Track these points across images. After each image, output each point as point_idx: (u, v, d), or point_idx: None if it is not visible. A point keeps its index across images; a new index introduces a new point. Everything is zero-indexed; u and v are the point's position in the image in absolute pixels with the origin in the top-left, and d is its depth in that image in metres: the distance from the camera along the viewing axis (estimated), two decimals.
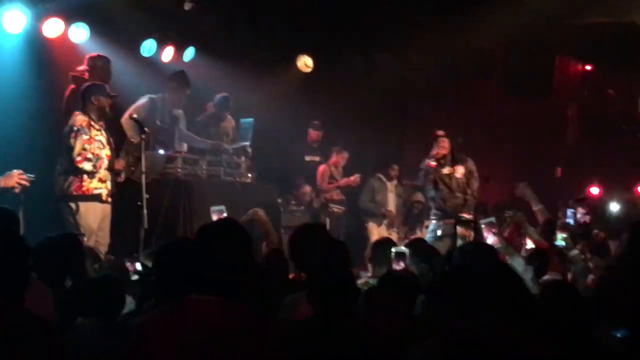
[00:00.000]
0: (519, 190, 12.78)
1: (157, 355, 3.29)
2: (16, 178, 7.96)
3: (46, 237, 5.56)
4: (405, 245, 6.64)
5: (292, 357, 3.77)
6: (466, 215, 10.47)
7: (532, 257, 6.69)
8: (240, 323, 3.37)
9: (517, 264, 6.33)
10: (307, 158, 12.83)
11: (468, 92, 14.03)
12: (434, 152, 11.18)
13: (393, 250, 6.19)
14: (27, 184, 7.99)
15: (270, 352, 3.40)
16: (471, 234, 6.47)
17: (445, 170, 11.15)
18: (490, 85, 14.02)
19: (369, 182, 13.06)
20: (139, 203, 8.79)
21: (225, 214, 8.75)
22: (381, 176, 13.08)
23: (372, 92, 13.58)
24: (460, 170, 11.17)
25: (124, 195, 9.46)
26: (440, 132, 11.15)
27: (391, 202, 13.09)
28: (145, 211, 8.72)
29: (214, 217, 8.63)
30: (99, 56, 10.01)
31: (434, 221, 11.29)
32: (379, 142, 14.10)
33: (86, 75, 9.85)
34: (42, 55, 10.19)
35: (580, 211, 10.38)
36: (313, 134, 12.92)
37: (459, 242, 6.04)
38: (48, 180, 9.10)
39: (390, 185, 13.12)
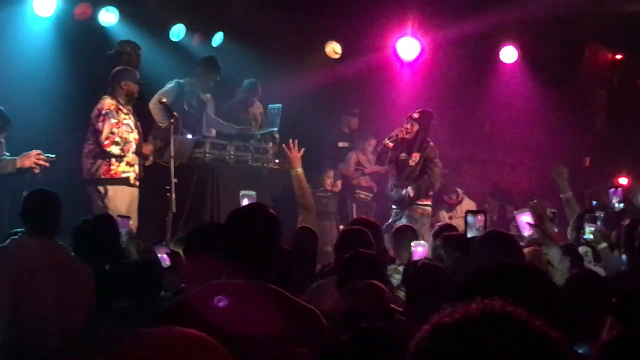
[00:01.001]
0: (555, 172, 12.68)
1: None
2: (34, 158, 8.01)
3: (83, 219, 5.61)
4: (434, 234, 6.60)
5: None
6: (420, 203, 10.09)
7: (569, 248, 6.60)
8: (269, 307, 3.36)
9: (554, 253, 6.26)
10: (340, 144, 12.79)
11: (495, 77, 13.92)
12: (394, 133, 10.18)
13: (413, 244, 6.16)
14: (45, 164, 8.03)
15: (302, 337, 3.39)
16: (483, 223, 6.25)
17: (403, 155, 10.20)
18: (518, 70, 13.92)
19: None
20: (167, 187, 8.81)
21: (255, 199, 8.72)
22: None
23: (398, 78, 13.49)
24: (415, 158, 10.14)
25: (151, 179, 9.50)
26: (415, 115, 10.18)
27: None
28: (174, 195, 8.74)
29: (244, 202, 8.60)
30: (128, 42, 10.04)
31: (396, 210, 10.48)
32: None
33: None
34: (72, 39, 10.22)
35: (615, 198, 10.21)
36: (353, 122, 12.89)
37: (470, 233, 5.92)
38: (76, 164, 9.15)
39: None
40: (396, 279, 6.02)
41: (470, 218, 5.97)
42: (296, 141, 7.72)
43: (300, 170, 7.48)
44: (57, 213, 5.25)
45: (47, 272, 4.96)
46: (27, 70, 9.38)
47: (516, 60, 13.21)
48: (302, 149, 7.98)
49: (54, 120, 9.41)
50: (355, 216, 11.57)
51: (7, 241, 5.16)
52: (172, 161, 8.92)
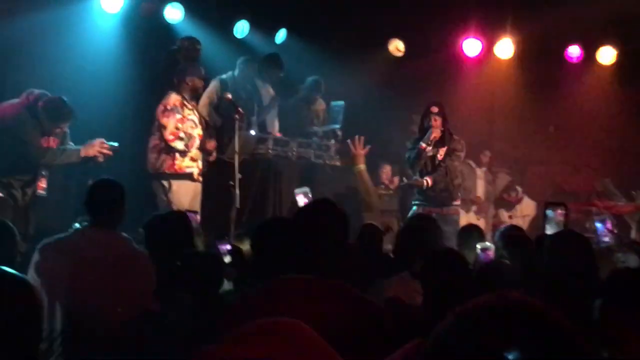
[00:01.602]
0: (600, 185, 12.52)
1: None
2: (97, 147, 8.12)
3: (155, 215, 5.64)
4: (500, 235, 6.53)
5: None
6: (455, 203, 9.63)
7: None
8: (338, 304, 3.35)
9: (632, 260, 6.15)
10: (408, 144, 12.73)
11: (560, 77, 13.75)
12: (431, 136, 9.48)
13: (478, 246, 6.05)
14: (109, 152, 8.15)
15: (368, 335, 3.37)
16: (563, 218, 6.01)
17: (430, 151, 9.62)
18: (583, 70, 13.74)
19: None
20: (231, 183, 8.86)
21: (310, 195, 8.70)
22: (470, 162, 12.92)
23: (462, 78, 13.41)
24: (442, 152, 9.59)
25: (215, 174, 9.56)
26: (434, 109, 9.63)
27: (480, 189, 12.93)
28: (237, 191, 8.78)
29: (299, 199, 8.59)
30: (187, 37, 10.15)
31: (414, 207, 9.76)
32: (468, 128, 13.94)
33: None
34: (138, 35, 10.33)
35: None
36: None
37: (550, 228, 5.70)
38: (141, 157, 9.25)
39: (480, 172, 12.96)
40: None
41: (549, 212, 5.70)
42: (362, 138, 7.70)
43: (362, 167, 7.48)
44: (121, 204, 5.25)
45: (106, 263, 4.98)
46: (94, 66, 9.50)
47: (582, 60, 13.04)
48: (367, 147, 8.00)
49: (120, 114, 9.50)
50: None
51: (70, 231, 5.20)
52: (236, 157, 8.95)
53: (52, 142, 8.08)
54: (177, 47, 10.12)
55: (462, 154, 9.82)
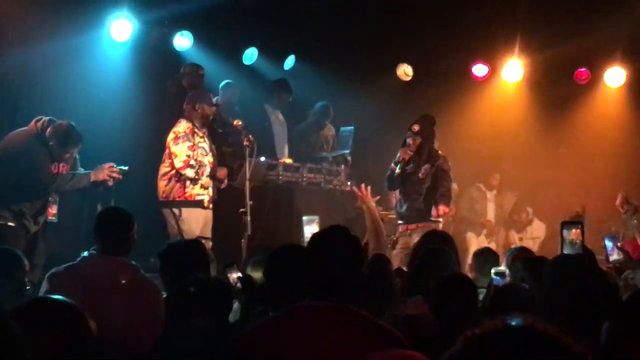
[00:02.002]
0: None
1: (274, 357, 3.29)
2: (107, 171, 8.14)
3: (169, 243, 5.62)
4: (512, 257, 6.48)
5: None
6: (433, 219, 9.35)
7: None
8: (355, 330, 3.33)
9: None
10: None
11: (570, 97, 13.76)
12: (400, 157, 9.49)
13: (493, 270, 5.97)
14: (118, 176, 8.15)
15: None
16: (580, 237, 5.90)
17: (409, 167, 9.50)
18: (593, 91, 13.73)
19: (468, 191, 12.91)
20: (242, 209, 8.85)
21: (317, 222, 8.64)
22: (480, 185, 12.92)
23: (471, 101, 13.43)
24: (425, 170, 9.42)
25: (225, 201, 9.56)
26: (415, 128, 9.46)
27: (490, 212, 12.91)
28: (249, 218, 8.78)
29: (307, 229, 8.53)
30: (190, 63, 10.31)
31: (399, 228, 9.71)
32: (477, 150, 13.95)
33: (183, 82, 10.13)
34: (147, 63, 10.37)
35: None
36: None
37: (566, 248, 5.61)
38: (151, 185, 9.27)
39: (490, 195, 12.95)
40: None
41: (565, 232, 5.56)
42: (369, 187, 7.74)
43: (372, 204, 7.53)
44: (129, 231, 5.26)
45: (115, 290, 4.98)
46: (104, 94, 9.52)
47: (591, 81, 13.07)
48: (377, 197, 8.11)
49: (131, 142, 9.51)
50: None
51: (79, 258, 5.20)
52: (247, 184, 8.96)
53: (62, 168, 8.07)
54: (181, 74, 10.19)
55: (451, 173, 9.71)
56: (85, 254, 5.15)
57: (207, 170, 9.13)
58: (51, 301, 2.71)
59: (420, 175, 9.42)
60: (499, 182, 13.07)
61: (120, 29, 9.71)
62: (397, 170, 9.46)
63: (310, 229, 8.35)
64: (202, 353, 4.07)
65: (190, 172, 8.99)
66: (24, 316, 2.61)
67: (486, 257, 6.70)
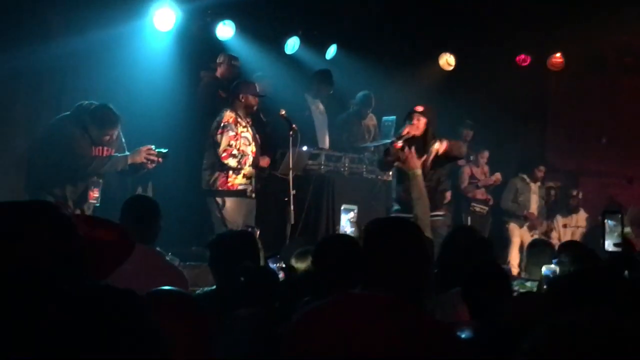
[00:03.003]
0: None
1: (323, 344, 3.26)
2: (144, 154, 8.02)
3: (219, 234, 5.62)
4: (558, 249, 6.40)
5: None
6: (439, 212, 8.75)
7: None
8: (413, 323, 3.29)
9: None
10: None
11: (612, 89, 13.62)
12: (404, 130, 8.78)
13: (544, 268, 5.86)
14: (156, 159, 8.05)
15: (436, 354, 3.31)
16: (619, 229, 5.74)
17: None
18: (636, 81, 13.56)
19: (512, 182, 12.82)
20: (285, 199, 8.86)
21: (355, 212, 8.57)
22: (525, 177, 12.82)
23: (512, 90, 13.34)
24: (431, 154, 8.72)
25: (268, 191, 9.58)
26: (419, 108, 8.89)
27: (534, 204, 12.82)
28: (292, 207, 8.78)
29: (344, 216, 8.50)
30: (225, 54, 10.35)
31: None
32: (520, 141, 13.88)
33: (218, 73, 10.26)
34: (191, 52, 10.39)
35: None
36: (465, 133, 12.75)
37: (609, 237, 5.49)
38: (196, 174, 9.30)
39: (534, 187, 12.85)
40: None
41: (607, 220, 5.44)
42: (412, 147, 7.58)
43: (419, 171, 7.37)
44: (154, 220, 5.27)
45: (138, 278, 4.98)
46: (147, 84, 9.54)
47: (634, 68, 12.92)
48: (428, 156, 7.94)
49: (175, 131, 9.55)
50: None
51: None
52: (290, 173, 8.96)
53: (106, 151, 8.09)
54: (216, 63, 10.23)
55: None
56: None
57: (250, 159, 9.14)
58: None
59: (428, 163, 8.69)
60: (543, 173, 12.94)
61: (164, 19, 9.72)
62: (399, 145, 8.63)
63: (347, 217, 8.33)
64: (250, 343, 4.07)
65: (232, 162, 9.00)
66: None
67: (542, 249, 6.62)
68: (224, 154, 8.98)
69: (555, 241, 11.58)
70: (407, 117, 8.84)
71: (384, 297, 3.34)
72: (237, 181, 9.13)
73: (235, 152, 9.00)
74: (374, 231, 3.53)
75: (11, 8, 8.40)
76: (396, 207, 8.83)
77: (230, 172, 9.08)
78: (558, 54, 13.27)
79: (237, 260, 4.81)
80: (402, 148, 8.40)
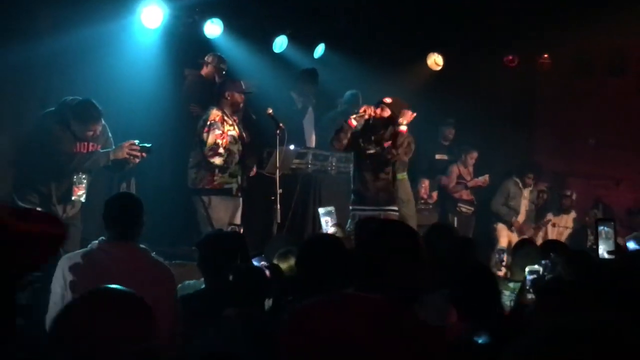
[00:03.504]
0: None
1: (316, 343, 3.23)
2: (126, 149, 7.93)
3: (207, 234, 5.60)
4: (548, 248, 6.40)
5: None
6: (393, 207, 8.62)
7: None
8: (407, 326, 3.27)
9: None
10: (437, 156, 12.69)
11: (599, 90, 13.65)
12: (361, 109, 8.82)
13: (527, 269, 5.86)
14: (139, 154, 7.96)
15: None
16: (612, 236, 5.72)
17: (370, 148, 8.76)
18: (623, 83, 13.60)
19: (505, 186, 12.79)
20: (272, 197, 8.83)
21: (334, 215, 8.53)
22: (518, 181, 12.83)
23: (500, 91, 13.36)
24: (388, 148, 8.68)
25: (255, 189, 9.56)
26: (387, 100, 8.80)
27: (524, 208, 12.84)
28: (278, 206, 8.76)
29: (322, 219, 8.45)
30: (214, 54, 10.41)
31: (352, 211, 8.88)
32: (507, 141, 13.89)
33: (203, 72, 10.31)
34: (178, 50, 10.37)
35: None
36: (447, 132, 12.78)
37: (602, 244, 5.46)
38: (182, 172, 9.29)
39: (526, 192, 12.87)
40: (505, 295, 5.86)
41: (600, 228, 5.43)
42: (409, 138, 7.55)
43: (405, 175, 7.35)
44: (138, 217, 5.24)
45: (125, 276, 4.98)
46: (135, 81, 9.51)
47: (622, 72, 12.94)
48: (405, 143, 7.92)
49: (161, 129, 9.53)
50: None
51: (89, 245, 5.21)
52: (277, 172, 8.94)
53: (91, 147, 8.04)
54: (202, 62, 10.23)
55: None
56: (96, 241, 5.15)
57: (236, 158, 9.11)
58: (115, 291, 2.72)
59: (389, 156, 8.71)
60: (532, 180, 12.94)
61: (151, 16, 9.68)
62: (353, 124, 8.73)
63: (324, 219, 8.30)
64: (238, 341, 4.06)
65: (218, 160, 8.97)
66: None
67: (527, 251, 6.61)
68: (210, 153, 8.95)
69: (540, 240, 11.63)
70: (375, 104, 8.82)
71: (378, 297, 3.31)
72: (223, 180, 9.10)
73: (221, 150, 8.97)
74: (369, 232, 3.50)
75: None
76: (354, 199, 8.87)
77: (216, 170, 9.05)
78: (546, 55, 13.31)
79: (227, 261, 4.81)
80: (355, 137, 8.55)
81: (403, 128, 8.67)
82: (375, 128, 8.79)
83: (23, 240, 2.30)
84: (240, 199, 9.30)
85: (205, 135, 8.97)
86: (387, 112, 8.80)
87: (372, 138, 8.78)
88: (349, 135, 8.76)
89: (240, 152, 9.17)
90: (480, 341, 3.66)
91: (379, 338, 3.17)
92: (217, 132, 8.98)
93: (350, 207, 8.88)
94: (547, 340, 1.60)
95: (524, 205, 12.84)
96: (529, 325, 4.16)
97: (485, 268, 4.92)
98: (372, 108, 8.81)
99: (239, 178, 9.21)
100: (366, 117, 8.78)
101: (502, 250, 8.32)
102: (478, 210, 12.71)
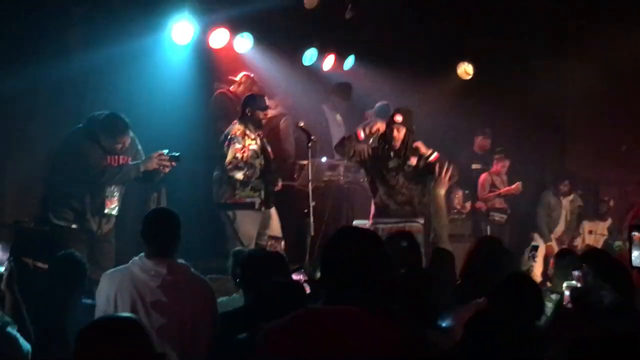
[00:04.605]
0: None
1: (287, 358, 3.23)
2: (156, 160, 8.01)
3: (250, 252, 5.62)
4: (582, 258, 6.35)
5: None
6: (419, 220, 8.57)
7: None
8: (364, 333, 3.26)
9: None
10: (473, 166, 12.63)
11: (631, 98, 13.54)
12: (373, 126, 8.89)
13: (565, 284, 5.78)
14: (168, 164, 8.02)
15: None
16: None
17: (392, 163, 8.69)
18: None
19: (546, 198, 12.72)
20: (305, 210, 8.82)
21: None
22: (555, 192, 12.75)
23: (531, 99, 13.29)
24: (412, 162, 8.64)
25: (288, 202, 9.57)
26: (398, 118, 8.63)
27: (563, 219, 12.78)
28: (311, 219, 8.75)
29: None
30: (247, 75, 10.54)
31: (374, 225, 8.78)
32: (538, 149, 13.81)
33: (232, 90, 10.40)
34: (209, 66, 10.43)
35: None
36: (484, 141, 12.73)
37: (637, 251, 5.37)
38: (209, 187, 9.33)
39: (565, 202, 12.78)
40: (548, 307, 5.78)
41: (635, 234, 5.28)
42: (451, 167, 7.42)
43: (442, 191, 7.19)
44: (175, 232, 5.26)
45: (165, 292, 5.03)
46: (166, 97, 9.57)
47: None
48: (455, 177, 7.71)
49: (192, 144, 9.56)
50: None
51: (130, 262, 5.24)
52: (310, 184, 8.95)
53: (122, 160, 8.09)
54: (234, 80, 10.28)
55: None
56: (136, 258, 5.18)
57: (257, 172, 9.10)
58: (116, 319, 2.76)
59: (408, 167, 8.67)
60: (569, 187, 12.83)
61: (182, 32, 9.73)
62: (361, 137, 8.76)
63: None
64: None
65: (238, 174, 8.99)
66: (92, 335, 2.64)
67: (569, 261, 6.54)
68: (230, 167, 8.98)
69: (579, 247, 11.56)
70: (388, 127, 8.73)
71: (345, 309, 3.26)
72: (245, 194, 9.11)
73: (241, 164, 8.99)
74: (329, 244, 3.42)
75: (30, 23, 8.43)
76: (375, 213, 8.81)
77: (237, 184, 9.07)
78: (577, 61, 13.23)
79: (267, 278, 4.81)
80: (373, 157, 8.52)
81: (434, 155, 8.60)
82: (390, 142, 8.70)
83: None
84: (271, 211, 9.29)
85: (225, 149, 9.02)
86: (402, 132, 8.69)
87: (391, 154, 8.70)
88: (353, 144, 8.76)
89: (262, 166, 9.17)
90: None
91: (345, 352, 3.19)
92: (238, 146, 9.00)
93: (372, 221, 8.79)
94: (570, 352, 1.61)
95: (563, 216, 12.75)
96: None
97: (528, 278, 4.91)
98: (384, 126, 8.77)
99: (262, 192, 9.19)
100: (377, 133, 8.82)
101: (535, 247, 8.34)
102: (512, 219, 12.63)
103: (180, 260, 5.28)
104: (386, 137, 8.71)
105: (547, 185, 12.96)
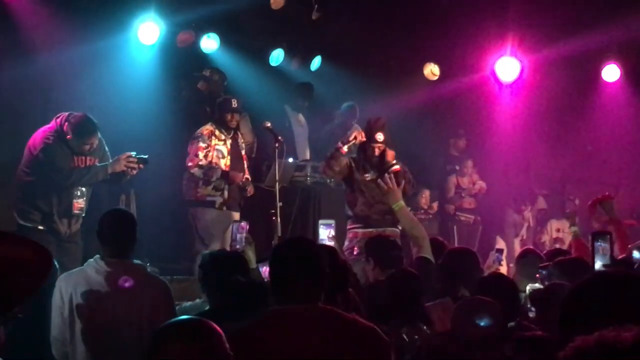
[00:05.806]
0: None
1: None
2: (124, 162, 7.95)
3: (210, 253, 5.63)
4: (547, 257, 6.42)
5: None
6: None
7: None
8: (325, 329, 3.38)
9: None
10: (448, 167, 12.69)
11: (596, 97, 13.65)
12: (351, 135, 9.00)
13: (528, 288, 5.81)
14: (136, 166, 7.98)
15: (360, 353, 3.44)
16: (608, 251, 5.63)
17: (371, 175, 8.48)
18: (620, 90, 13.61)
19: (509, 216, 12.90)
20: (272, 211, 8.86)
21: (333, 226, 8.43)
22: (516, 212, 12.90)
23: (498, 99, 13.35)
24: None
25: (255, 202, 9.58)
26: (380, 137, 8.49)
27: (525, 226, 12.93)
28: (278, 219, 8.79)
29: (322, 232, 8.35)
30: (213, 69, 10.52)
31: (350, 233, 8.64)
32: (505, 149, 13.87)
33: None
34: (175, 65, 10.40)
35: None
36: (458, 142, 12.78)
37: (599, 259, 5.38)
38: (179, 186, 9.34)
39: (527, 213, 12.91)
40: None
41: (596, 243, 5.31)
42: (392, 175, 7.43)
43: (402, 203, 7.17)
44: (131, 233, 5.29)
45: (121, 293, 5.07)
46: (132, 96, 9.55)
47: (619, 79, 12.91)
48: (402, 183, 7.67)
49: (159, 143, 9.54)
50: (457, 238, 11.53)
51: (86, 264, 5.25)
52: (277, 185, 9.00)
53: (89, 161, 8.05)
54: (198, 76, 10.26)
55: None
56: (92, 260, 5.18)
57: (218, 172, 9.20)
58: (192, 321, 2.76)
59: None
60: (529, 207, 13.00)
61: (148, 32, 9.72)
62: (344, 151, 8.62)
63: (326, 233, 8.23)
64: None
65: (198, 172, 9.17)
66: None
67: (530, 260, 6.61)
68: (190, 164, 9.16)
69: (547, 244, 11.69)
70: (368, 143, 8.62)
71: (299, 307, 3.48)
72: (205, 192, 9.25)
73: (202, 163, 9.14)
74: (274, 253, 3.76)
75: None
76: (354, 221, 8.63)
77: (200, 182, 9.22)
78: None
79: (228, 278, 4.82)
80: (377, 179, 8.04)
81: (396, 167, 8.54)
82: (371, 157, 8.62)
83: (10, 268, 2.26)
84: (231, 212, 9.31)
85: (189, 147, 9.23)
86: (382, 148, 8.61)
87: (367, 166, 8.60)
88: (340, 161, 8.57)
89: (227, 166, 9.27)
90: None
91: (309, 346, 3.31)
92: (202, 144, 9.18)
93: (349, 227, 8.66)
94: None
95: (527, 224, 12.89)
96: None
97: (504, 277, 4.99)
98: (362, 134, 8.85)
99: (225, 192, 9.26)
100: (356, 142, 8.85)
101: (500, 250, 8.44)
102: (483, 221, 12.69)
103: (137, 261, 5.31)
104: (366, 152, 8.62)
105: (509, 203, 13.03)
